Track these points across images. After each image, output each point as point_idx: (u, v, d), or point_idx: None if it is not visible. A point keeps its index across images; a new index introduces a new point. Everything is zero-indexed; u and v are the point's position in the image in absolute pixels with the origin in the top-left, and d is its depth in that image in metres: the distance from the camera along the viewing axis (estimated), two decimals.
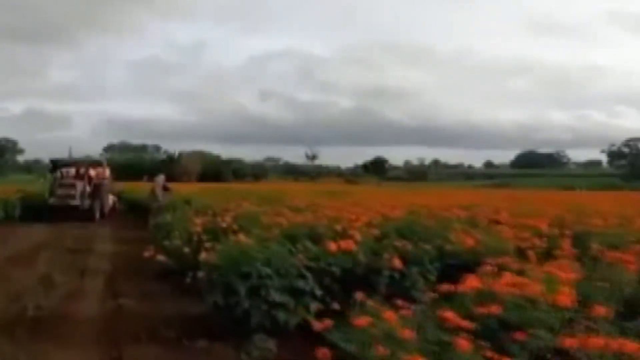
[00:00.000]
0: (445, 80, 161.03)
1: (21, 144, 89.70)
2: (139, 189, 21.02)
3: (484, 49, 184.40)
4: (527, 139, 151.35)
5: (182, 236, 7.77)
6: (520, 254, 5.46)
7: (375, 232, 6.59)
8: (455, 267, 5.45)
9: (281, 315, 4.50)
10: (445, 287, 3.39)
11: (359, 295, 4.89)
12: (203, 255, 5.95)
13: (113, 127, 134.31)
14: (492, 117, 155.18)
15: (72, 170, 17.57)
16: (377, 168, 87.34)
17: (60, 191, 16.14)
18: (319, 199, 13.86)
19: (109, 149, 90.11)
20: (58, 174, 17.37)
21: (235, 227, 7.36)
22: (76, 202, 16.01)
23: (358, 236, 5.91)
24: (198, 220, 7.89)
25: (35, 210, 15.86)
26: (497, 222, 9.18)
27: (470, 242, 5.59)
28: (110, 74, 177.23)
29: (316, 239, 6.34)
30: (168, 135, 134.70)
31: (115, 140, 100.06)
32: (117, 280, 7.49)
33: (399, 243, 5.49)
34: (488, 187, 59.03)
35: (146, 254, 7.26)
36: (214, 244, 6.19)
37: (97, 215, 16.38)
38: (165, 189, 15.48)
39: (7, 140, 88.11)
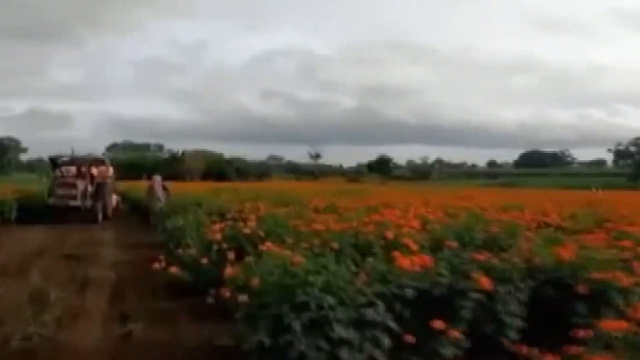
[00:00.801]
0: (448, 78, 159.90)
1: (24, 143, 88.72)
2: (142, 188, 19.88)
3: (487, 47, 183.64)
4: (530, 138, 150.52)
5: (198, 244, 6.61)
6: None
7: (428, 239, 5.53)
8: (553, 284, 4.35)
9: (344, 355, 3.34)
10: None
11: (437, 324, 3.75)
12: (229, 271, 4.81)
13: (116, 126, 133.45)
14: (495, 115, 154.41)
15: (73, 169, 16.33)
16: (381, 167, 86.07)
17: (60, 191, 14.92)
18: (337, 199, 12.81)
19: (111, 148, 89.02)
20: (58, 172, 16.17)
21: (260, 233, 6.22)
22: (77, 202, 14.82)
23: (415, 245, 4.81)
24: (216, 226, 6.71)
25: (33, 212, 14.68)
26: (548, 225, 8.07)
27: (566, 253, 4.46)
28: (113, 72, 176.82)
29: (364, 250, 5.23)
30: (171, 134, 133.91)
31: (118, 140, 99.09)
32: (123, 297, 6.31)
33: (480, 256, 4.32)
34: (496, 187, 57.74)
35: (156, 265, 6.10)
36: (242, 255, 5.09)
37: (100, 216, 15.20)
38: (164, 188, 14.61)
39: (10, 139, 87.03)
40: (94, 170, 16.65)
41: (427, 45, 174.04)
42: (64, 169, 16.34)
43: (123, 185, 22.12)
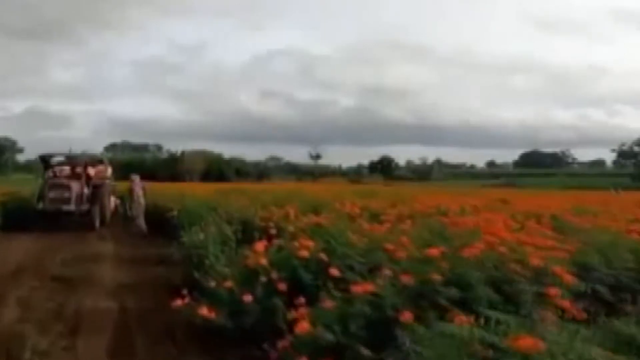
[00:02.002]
0: (447, 78, 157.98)
1: (21, 143, 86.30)
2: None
3: (487, 47, 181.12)
4: (530, 139, 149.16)
5: (235, 272, 4.73)
6: None
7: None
8: None
9: None
10: None
11: None
12: (302, 327, 3.02)
13: (114, 127, 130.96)
14: (493, 116, 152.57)
15: (67, 169, 14.37)
16: (384, 167, 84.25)
17: (52, 194, 12.90)
18: (368, 203, 10.99)
19: (110, 148, 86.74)
20: (50, 173, 14.17)
21: (323, 257, 4.35)
22: (71, 207, 12.84)
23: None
24: (259, 245, 4.79)
25: (21, 218, 12.70)
26: None
27: None
28: (112, 72, 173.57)
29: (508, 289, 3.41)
30: (169, 134, 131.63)
31: (116, 140, 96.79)
32: (131, 347, 4.40)
33: None
34: (504, 187, 56.03)
35: (179, 302, 4.24)
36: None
37: (97, 222, 13.25)
38: (143, 190, 13.47)
39: (7, 139, 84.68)
40: (91, 171, 14.68)
41: (427, 45, 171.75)
42: (56, 169, 14.32)
43: (122, 186, 20.05)
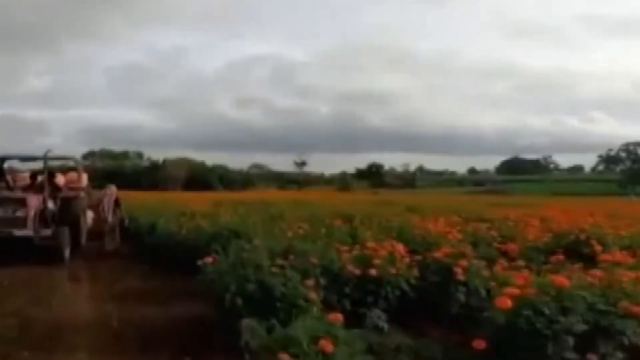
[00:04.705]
0: (427, 84, 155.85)
1: None
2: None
3: (466, 53, 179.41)
4: (508, 145, 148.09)
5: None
6: None
7: None
8: None
9: None
10: None
11: None
12: None
13: (93, 134, 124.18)
14: (473, 122, 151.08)
15: (25, 176, 10.20)
16: (372, 174, 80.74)
17: None
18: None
19: (89, 155, 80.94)
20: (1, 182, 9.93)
21: None
22: (27, 231, 8.65)
23: None
24: None
25: None
26: None
27: None
28: (89, 80, 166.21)
29: None
30: (149, 141, 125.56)
31: (95, 147, 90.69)
32: None
33: None
34: (494, 195, 53.23)
35: None
36: None
37: (67, 252, 9.11)
38: (116, 202, 11.24)
39: None
40: (60, 179, 10.54)
41: (406, 51, 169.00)
42: (9, 177, 10.08)
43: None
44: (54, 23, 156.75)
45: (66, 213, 9.70)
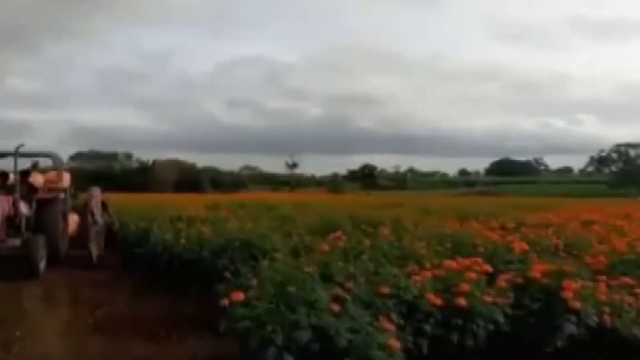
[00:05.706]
0: (416, 86, 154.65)
1: None
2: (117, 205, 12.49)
3: (455, 55, 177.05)
4: (497, 147, 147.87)
5: None
6: None
7: None
8: None
9: None
10: None
11: None
12: None
13: (80, 136, 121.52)
14: (464, 124, 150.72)
15: None
16: (366, 176, 79.54)
17: None
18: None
19: (76, 157, 78.65)
20: None
21: None
22: None
23: None
24: None
25: None
26: None
27: None
28: (76, 81, 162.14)
29: None
30: (138, 143, 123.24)
31: (83, 149, 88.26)
32: None
33: None
34: (489, 196, 52.22)
35: None
36: None
37: (43, 264, 7.65)
38: (103, 205, 10.19)
39: None
40: (36, 179, 9.06)
41: (396, 52, 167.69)
42: None
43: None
44: (36, 22, 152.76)
45: (42, 218, 8.27)
